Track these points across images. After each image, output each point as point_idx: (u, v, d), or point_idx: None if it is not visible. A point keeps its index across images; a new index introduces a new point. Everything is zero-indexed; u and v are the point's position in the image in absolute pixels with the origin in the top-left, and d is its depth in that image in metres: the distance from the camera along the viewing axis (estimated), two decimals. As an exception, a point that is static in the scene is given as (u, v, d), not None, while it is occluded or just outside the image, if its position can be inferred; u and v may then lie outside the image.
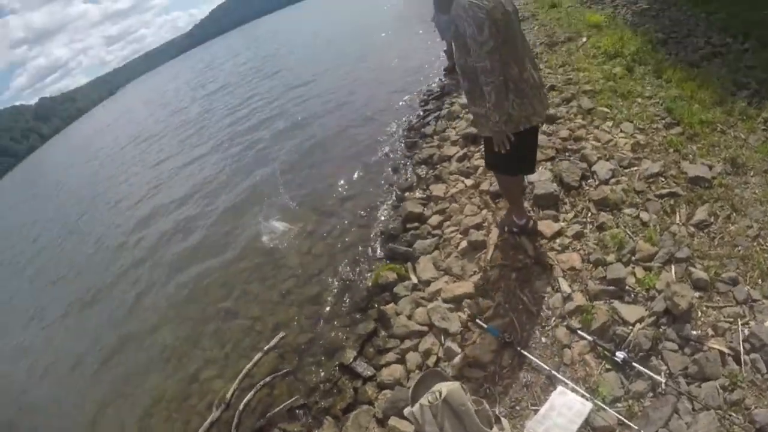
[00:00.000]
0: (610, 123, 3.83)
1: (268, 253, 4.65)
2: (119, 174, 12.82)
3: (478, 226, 3.18)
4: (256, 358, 3.23)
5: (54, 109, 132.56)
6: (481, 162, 3.90)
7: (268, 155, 7.54)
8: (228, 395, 3.04)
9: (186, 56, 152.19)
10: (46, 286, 7.59)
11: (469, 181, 3.78)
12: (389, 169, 5.05)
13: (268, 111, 10.84)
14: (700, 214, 2.68)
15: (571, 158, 3.46)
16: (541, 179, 3.24)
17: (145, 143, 15.35)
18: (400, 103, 7.15)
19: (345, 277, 3.74)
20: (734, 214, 2.65)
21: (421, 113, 6.17)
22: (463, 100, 5.07)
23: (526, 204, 3.18)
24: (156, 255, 6.24)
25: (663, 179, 3.04)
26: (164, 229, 6.96)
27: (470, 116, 2.49)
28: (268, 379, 3.08)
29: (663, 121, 3.67)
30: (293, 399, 2.90)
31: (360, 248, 3.99)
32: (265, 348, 3.27)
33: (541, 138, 3.73)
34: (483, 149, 2.90)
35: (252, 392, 3.00)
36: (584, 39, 6.02)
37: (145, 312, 4.99)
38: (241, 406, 2.91)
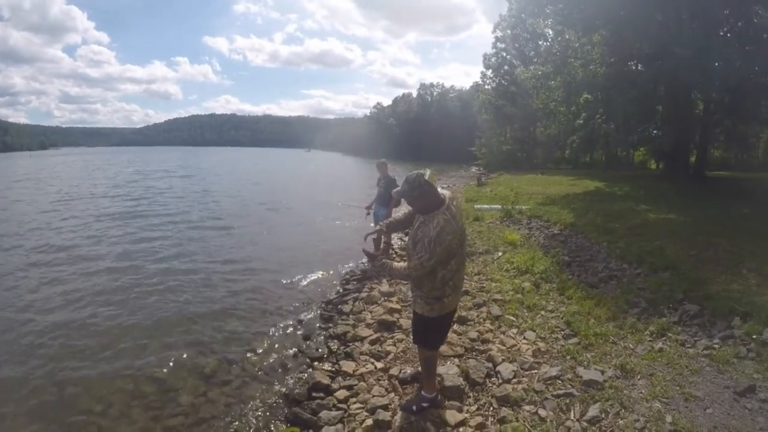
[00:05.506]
0: (515, 330, 4.17)
1: (156, 381, 4.05)
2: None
3: (384, 407, 3.06)
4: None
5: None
6: (393, 348, 4.00)
7: (181, 284, 6.66)
8: None
9: (125, 150, 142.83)
10: None
11: (379, 364, 3.73)
12: (300, 335, 4.93)
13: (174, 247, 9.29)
14: (593, 411, 2.83)
15: (478, 358, 3.65)
16: (449, 372, 3.33)
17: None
18: (320, 275, 7.08)
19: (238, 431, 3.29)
20: (623, 410, 2.82)
21: (341, 290, 6.23)
22: (384, 287, 5.46)
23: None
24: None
25: (560, 381, 3.22)
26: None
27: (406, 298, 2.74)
28: None
29: (562, 332, 4.06)
30: None
31: (258, 405, 3.63)
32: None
33: (452, 336, 3.96)
34: (411, 328, 3.16)
35: None
36: (500, 253, 6.83)
37: None
38: None
